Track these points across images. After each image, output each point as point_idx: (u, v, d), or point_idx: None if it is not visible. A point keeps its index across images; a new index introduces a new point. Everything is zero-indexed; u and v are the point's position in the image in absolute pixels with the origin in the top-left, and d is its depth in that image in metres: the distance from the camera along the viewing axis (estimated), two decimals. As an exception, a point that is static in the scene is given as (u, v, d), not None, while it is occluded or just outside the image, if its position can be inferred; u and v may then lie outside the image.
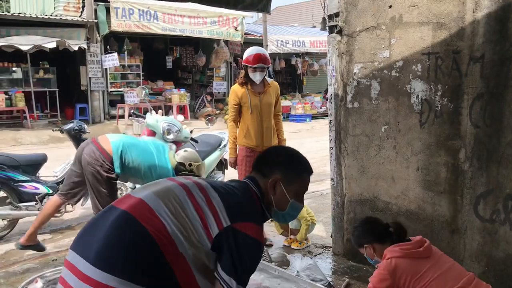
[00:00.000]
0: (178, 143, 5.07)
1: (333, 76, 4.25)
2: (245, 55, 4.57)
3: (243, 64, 4.60)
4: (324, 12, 4.45)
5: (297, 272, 3.50)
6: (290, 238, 4.81)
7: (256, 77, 4.51)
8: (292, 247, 4.66)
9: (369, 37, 3.99)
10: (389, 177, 3.95)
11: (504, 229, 3.30)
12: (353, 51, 4.11)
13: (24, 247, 4.30)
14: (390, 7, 3.82)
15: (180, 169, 4.29)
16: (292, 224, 4.69)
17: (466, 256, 3.54)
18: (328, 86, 4.41)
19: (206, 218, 1.84)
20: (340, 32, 4.19)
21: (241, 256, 1.82)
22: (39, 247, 4.38)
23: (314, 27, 21.78)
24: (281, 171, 2.09)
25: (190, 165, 4.32)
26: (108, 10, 13.56)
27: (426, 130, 3.69)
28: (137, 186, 4.62)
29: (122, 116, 14.22)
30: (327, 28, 4.38)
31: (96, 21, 13.62)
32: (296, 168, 2.14)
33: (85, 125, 5.76)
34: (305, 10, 29.47)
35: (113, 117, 14.63)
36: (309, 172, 2.18)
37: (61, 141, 11.11)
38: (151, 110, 5.31)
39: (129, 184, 5.06)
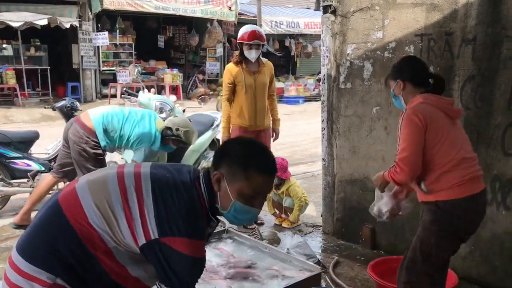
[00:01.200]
0: (170, 122, 5.07)
1: (327, 56, 4.26)
2: (240, 33, 4.53)
3: (238, 42, 4.55)
4: (318, -9, 4.42)
5: (287, 249, 3.54)
6: (281, 217, 4.86)
7: (252, 54, 4.45)
8: (283, 225, 4.72)
9: (363, 17, 3.99)
10: (380, 157, 4.00)
11: (491, 209, 3.36)
12: (347, 31, 4.11)
13: (18, 226, 4.32)
14: (384, -13, 3.82)
15: (167, 133, 4.26)
16: (285, 202, 4.74)
17: (453, 236, 3.60)
18: (322, 67, 4.42)
19: (134, 226, 1.70)
20: (334, 12, 4.19)
21: (173, 270, 1.70)
22: None
23: (308, 8, 21.68)
24: (227, 164, 1.79)
25: (177, 129, 4.27)
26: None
27: (417, 111, 3.71)
28: (129, 159, 4.61)
29: (114, 95, 14.13)
30: (321, 8, 4.37)
31: (88, -2, 13.46)
32: (245, 163, 1.76)
33: (77, 103, 5.73)
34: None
35: (105, 96, 14.54)
36: (265, 170, 1.80)
37: (53, 119, 11.06)
38: (143, 88, 5.29)
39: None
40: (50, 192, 5.21)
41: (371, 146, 4.03)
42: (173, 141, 4.35)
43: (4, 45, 13.63)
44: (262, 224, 4.77)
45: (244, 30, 4.53)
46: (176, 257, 1.69)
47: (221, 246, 3.73)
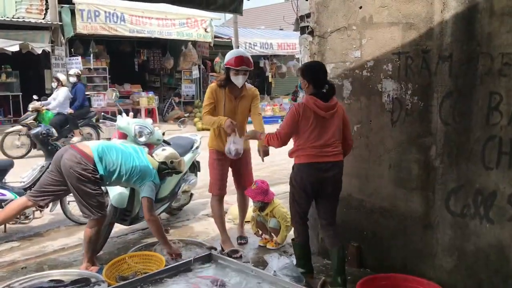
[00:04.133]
0: (150, 146, 5.01)
1: (306, 76, 4.28)
2: (226, 58, 4.42)
3: (225, 66, 4.45)
4: (296, 13, 4.47)
5: (274, 271, 3.50)
6: (265, 238, 4.82)
7: (239, 80, 4.38)
8: (268, 247, 4.67)
9: (340, 37, 4.04)
10: (363, 175, 4.01)
11: (474, 223, 3.40)
12: (325, 51, 4.16)
13: None
14: (360, 8, 3.89)
15: (163, 168, 4.31)
16: (270, 223, 4.69)
17: (439, 251, 3.62)
18: (300, 88, 4.42)
19: None
20: (311, 33, 4.23)
21: None
22: None
23: (281, 29, 21.91)
24: None
25: (171, 162, 4.34)
26: (73, 12, 13.29)
27: (397, 128, 3.76)
28: (113, 193, 4.52)
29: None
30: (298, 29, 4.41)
31: (60, 23, 13.31)
32: None
33: (53, 129, 5.64)
34: (271, 13, 29.65)
35: (79, 121, 14.28)
36: None
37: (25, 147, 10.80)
38: (121, 112, 5.21)
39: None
40: (24, 221, 5.08)
41: (354, 164, 4.04)
42: (168, 174, 4.41)
43: (-27, 72, 13.35)
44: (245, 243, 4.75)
45: (231, 55, 4.44)
46: None
47: (204, 273, 3.63)
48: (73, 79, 11.40)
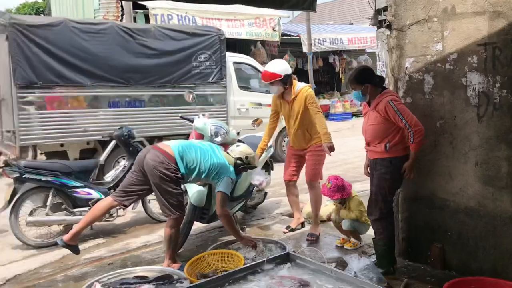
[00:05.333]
0: (225, 146, 5.08)
1: (383, 71, 4.18)
2: None
3: None
4: (372, 7, 4.35)
5: (355, 272, 3.42)
6: (343, 239, 4.73)
7: (274, 90, 4.93)
8: (346, 247, 4.59)
9: (420, 30, 3.88)
10: (446, 173, 3.83)
11: None
12: (404, 45, 4.01)
13: (66, 245, 4.21)
14: (441, -2, 3.70)
15: (238, 164, 4.44)
16: (345, 225, 4.59)
17: (533, 254, 3.38)
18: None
19: None
20: (389, 26, 4.10)
21: None
22: (76, 249, 4.30)
23: (351, 23, 21.51)
24: None
25: (246, 157, 4.46)
26: (147, 17, 13.78)
27: (484, 123, 3.55)
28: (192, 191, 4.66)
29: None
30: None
31: (136, 28, 13.88)
32: None
33: (134, 131, 5.87)
34: (340, 8, 29.18)
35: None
36: None
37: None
38: (199, 114, 5.35)
39: None
40: (108, 219, 5.32)
41: (437, 162, 3.87)
42: (244, 169, 4.54)
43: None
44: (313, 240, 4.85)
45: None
46: None
47: (283, 273, 3.62)
48: None
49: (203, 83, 8.54)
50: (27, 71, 6.86)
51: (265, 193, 6.06)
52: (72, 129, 7.32)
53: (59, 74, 7.12)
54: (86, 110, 7.43)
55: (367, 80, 3.78)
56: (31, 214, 5.07)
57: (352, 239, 4.65)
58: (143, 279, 3.67)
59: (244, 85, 9.91)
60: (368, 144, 3.97)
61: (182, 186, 4.36)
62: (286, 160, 5.24)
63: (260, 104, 9.72)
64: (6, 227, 5.14)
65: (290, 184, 5.18)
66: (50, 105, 7.11)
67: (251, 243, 4.25)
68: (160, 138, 7.74)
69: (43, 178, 5.05)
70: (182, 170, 4.04)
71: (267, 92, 9.12)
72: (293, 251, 3.84)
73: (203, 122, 5.05)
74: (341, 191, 4.53)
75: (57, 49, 7.09)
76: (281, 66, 4.85)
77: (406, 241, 4.22)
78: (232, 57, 9.53)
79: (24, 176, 5.01)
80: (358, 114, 17.04)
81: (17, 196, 5.01)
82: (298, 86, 4.87)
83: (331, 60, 19.01)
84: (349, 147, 10.47)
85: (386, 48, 4.14)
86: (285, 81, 4.79)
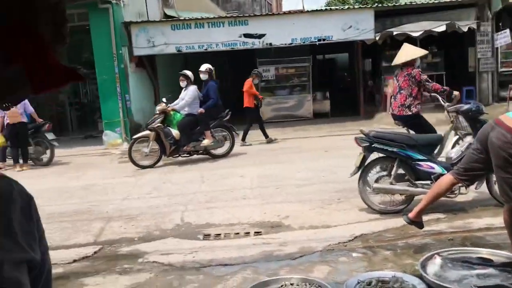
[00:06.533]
0: None
1: None
2: None
3: None
4: None
5: None
6: None
7: None
8: None
9: None
10: None
11: None
12: None
13: (411, 221, 4.36)
14: None
15: None
16: None
17: None
18: None
19: None
20: None
21: None
22: (420, 225, 4.39)
23: None
24: None
25: None
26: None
27: None
28: None
29: (512, 98, 13.06)
30: None
31: (488, -3, 12.91)
32: None
33: (482, 106, 5.56)
34: None
35: (502, 99, 13.60)
36: None
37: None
38: None
39: None
40: (450, 195, 5.22)
41: None
42: None
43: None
44: None
45: None
46: None
47: None
48: (204, 76, 9.82)
49: None
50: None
51: None
52: None
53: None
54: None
55: None
56: (377, 181, 5.48)
57: None
58: (487, 262, 3.50)
59: None
60: None
61: None
62: None
63: None
64: (355, 189, 5.70)
65: None
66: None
67: None
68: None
69: (390, 149, 5.35)
70: None
71: None
72: None
73: None
74: None
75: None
76: None
77: None
78: None
79: (373, 145, 5.41)
80: None
81: (365, 163, 5.49)
82: None
83: None
84: None
85: None
86: None
